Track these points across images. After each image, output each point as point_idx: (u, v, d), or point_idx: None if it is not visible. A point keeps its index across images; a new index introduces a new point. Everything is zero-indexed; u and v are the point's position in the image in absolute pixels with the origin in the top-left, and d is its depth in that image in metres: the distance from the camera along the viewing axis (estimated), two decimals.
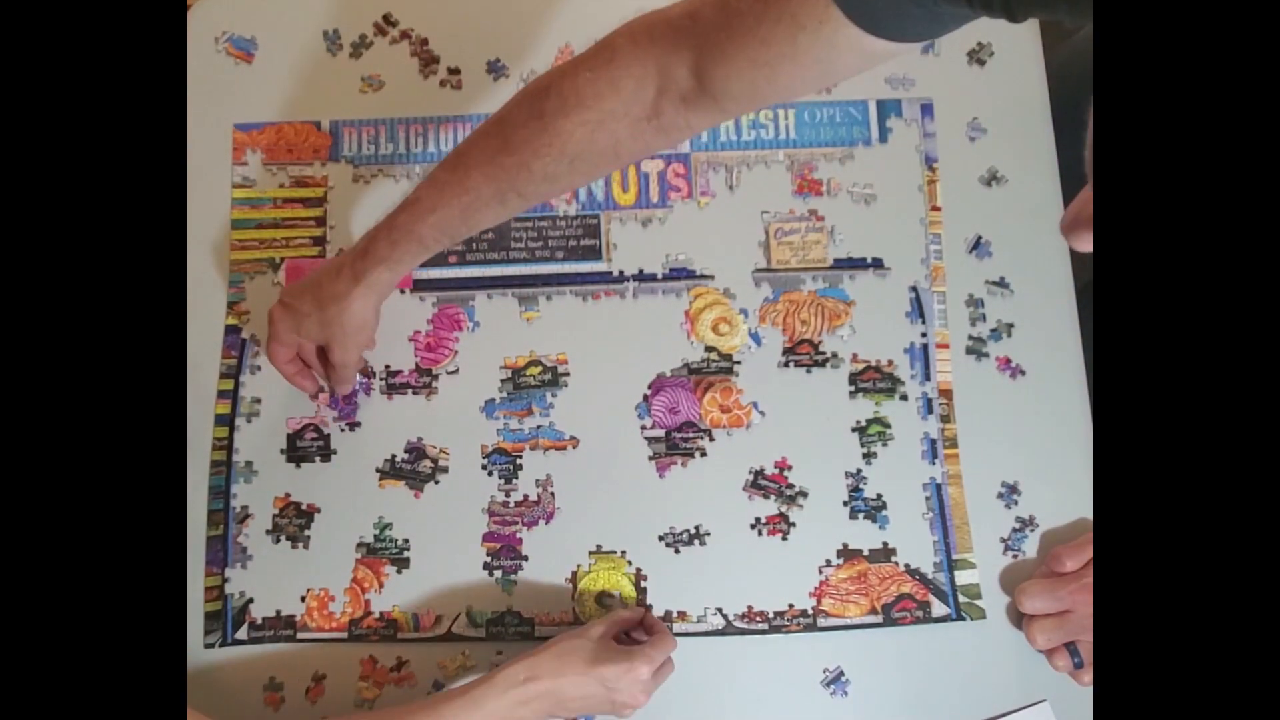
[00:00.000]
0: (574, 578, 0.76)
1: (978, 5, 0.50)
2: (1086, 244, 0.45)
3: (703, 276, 0.81)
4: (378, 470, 0.77)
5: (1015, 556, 0.77)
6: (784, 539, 0.76)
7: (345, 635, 0.74)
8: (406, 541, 0.76)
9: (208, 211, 0.82)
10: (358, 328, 0.71)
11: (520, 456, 0.78)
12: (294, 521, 0.76)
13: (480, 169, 0.63)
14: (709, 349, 0.80)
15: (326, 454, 0.77)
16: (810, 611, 0.75)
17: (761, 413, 0.79)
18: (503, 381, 0.79)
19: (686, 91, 0.60)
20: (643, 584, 0.75)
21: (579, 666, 0.65)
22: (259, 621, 0.74)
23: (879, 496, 0.77)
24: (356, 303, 0.70)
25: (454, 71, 0.85)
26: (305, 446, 0.78)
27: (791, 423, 0.79)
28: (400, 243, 0.67)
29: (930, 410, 0.79)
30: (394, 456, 0.77)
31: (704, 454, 0.78)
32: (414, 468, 0.77)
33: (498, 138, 0.63)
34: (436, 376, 0.79)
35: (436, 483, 0.77)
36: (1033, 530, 0.77)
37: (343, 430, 0.78)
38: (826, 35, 0.53)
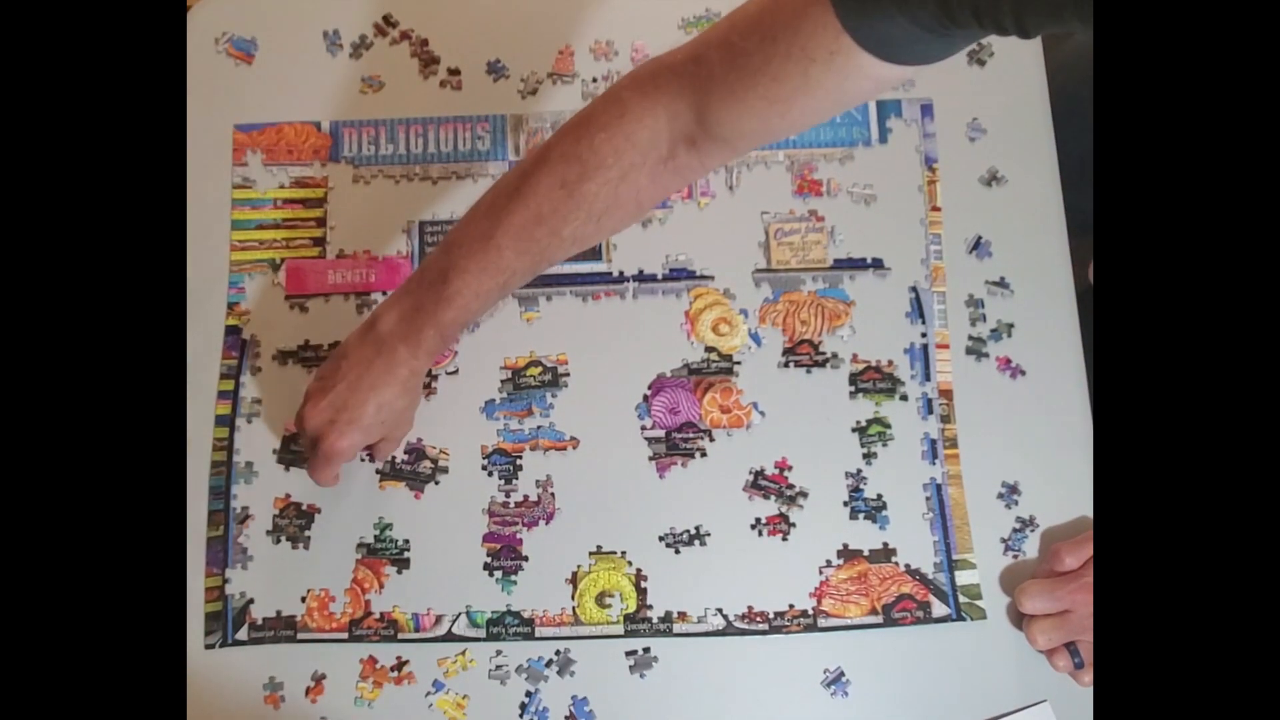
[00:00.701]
0: (574, 578, 0.76)
1: (989, 25, 0.49)
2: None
3: (703, 277, 0.81)
4: (378, 472, 0.77)
5: (1015, 557, 0.77)
6: (784, 539, 0.76)
7: (345, 635, 0.74)
8: (406, 542, 0.76)
9: (208, 212, 0.82)
10: (418, 402, 0.75)
11: (520, 457, 0.78)
12: (294, 522, 0.76)
13: (512, 246, 0.64)
14: (709, 349, 0.80)
15: None
16: (810, 612, 0.75)
17: (761, 413, 0.79)
18: (503, 382, 0.79)
19: (695, 135, 0.60)
20: (643, 584, 0.75)
21: None
22: (259, 622, 0.74)
23: (879, 497, 0.77)
24: (419, 385, 0.73)
25: (454, 72, 0.85)
26: (298, 451, 0.77)
27: (791, 423, 0.79)
28: (450, 335, 0.69)
29: (930, 410, 0.79)
30: (394, 457, 0.77)
31: (704, 454, 0.78)
32: (414, 468, 0.77)
33: (526, 212, 0.63)
34: (436, 377, 0.79)
35: (437, 483, 0.77)
36: (1033, 530, 0.77)
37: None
38: (839, 65, 0.53)
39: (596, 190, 0.61)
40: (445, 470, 0.77)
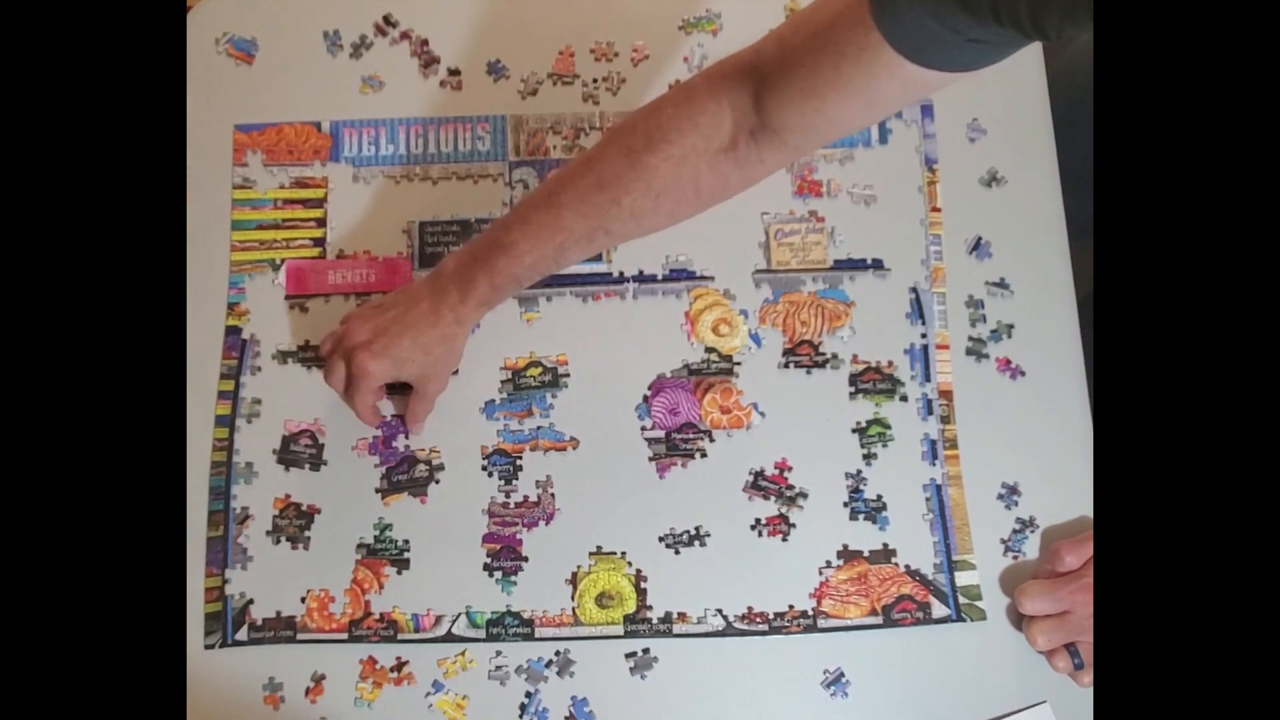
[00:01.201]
0: (574, 579, 0.75)
1: (1007, 23, 0.49)
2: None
3: (703, 277, 0.81)
4: (378, 491, 0.77)
5: (1015, 558, 0.77)
6: (784, 540, 0.76)
7: (345, 636, 0.74)
8: (406, 542, 0.76)
9: (208, 212, 0.82)
10: (457, 361, 0.76)
11: (520, 457, 0.78)
12: (294, 522, 0.76)
13: (572, 207, 0.66)
14: (709, 350, 0.80)
15: (317, 463, 0.77)
16: (810, 613, 0.75)
17: (761, 414, 0.79)
18: (503, 382, 0.79)
19: (753, 126, 0.63)
20: (643, 585, 0.75)
21: None
22: (259, 622, 0.74)
23: (879, 497, 0.77)
24: (461, 340, 0.73)
25: (454, 72, 0.85)
26: (298, 451, 0.77)
27: (791, 424, 0.79)
28: (502, 286, 0.70)
29: (930, 411, 0.79)
30: (387, 469, 0.77)
31: (704, 455, 0.78)
32: (410, 476, 0.77)
33: (590, 175, 0.66)
34: None
35: (437, 482, 0.77)
36: (1033, 531, 0.77)
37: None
38: (866, 62, 0.55)
39: (657, 164, 0.64)
40: (441, 467, 0.77)
